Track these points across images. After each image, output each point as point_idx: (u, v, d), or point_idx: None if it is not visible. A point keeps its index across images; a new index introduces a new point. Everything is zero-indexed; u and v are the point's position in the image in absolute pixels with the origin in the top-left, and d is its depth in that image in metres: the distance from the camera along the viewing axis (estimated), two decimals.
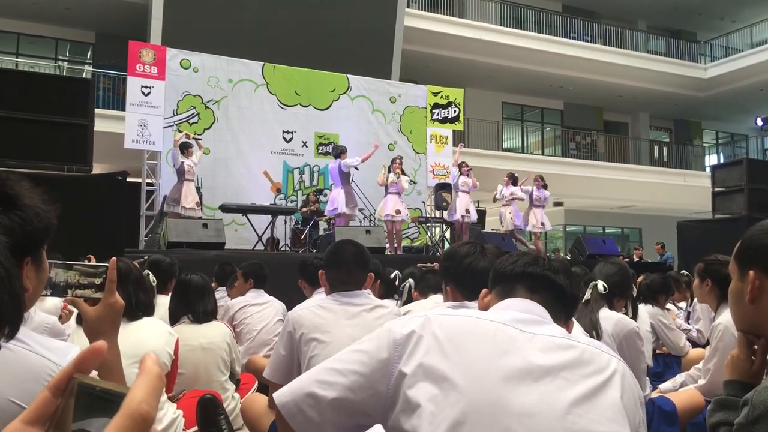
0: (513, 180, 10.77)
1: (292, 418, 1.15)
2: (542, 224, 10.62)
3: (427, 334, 1.13)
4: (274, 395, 1.19)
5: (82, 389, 0.52)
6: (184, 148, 9.13)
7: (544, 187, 10.77)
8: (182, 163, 8.99)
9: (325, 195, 10.88)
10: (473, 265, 1.91)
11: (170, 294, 3.37)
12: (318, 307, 2.29)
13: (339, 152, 9.64)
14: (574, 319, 2.37)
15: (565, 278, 1.31)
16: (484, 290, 1.39)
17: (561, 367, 1.09)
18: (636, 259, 14.48)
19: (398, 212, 9.54)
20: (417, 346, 1.11)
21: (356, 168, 9.62)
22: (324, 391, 1.13)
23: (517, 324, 1.15)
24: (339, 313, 2.27)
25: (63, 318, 3.67)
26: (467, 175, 10.34)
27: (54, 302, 3.62)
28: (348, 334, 2.15)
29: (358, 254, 2.40)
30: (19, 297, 0.75)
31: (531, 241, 10.89)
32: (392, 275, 4.34)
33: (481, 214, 12.84)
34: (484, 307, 1.33)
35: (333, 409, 1.12)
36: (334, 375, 1.14)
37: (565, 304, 1.31)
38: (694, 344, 4.46)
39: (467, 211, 10.10)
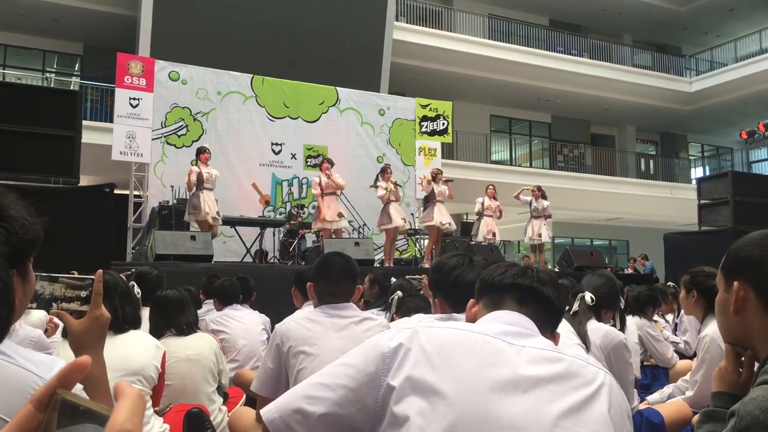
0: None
1: None
2: (539, 235, 10.43)
3: (415, 346, 1.12)
4: (261, 412, 1.18)
5: (65, 405, 0.52)
6: (200, 154, 8.61)
7: (543, 197, 10.65)
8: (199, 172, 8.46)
9: (314, 208, 10.83)
10: (461, 278, 1.91)
11: (149, 311, 3.23)
12: (306, 320, 2.28)
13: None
14: (566, 329, 2.38)
15: (553, 290, 1.31)
16: (471, 301, 1.38)
17: (549, 380, 1.09)
18: (630, 271, 14.49)
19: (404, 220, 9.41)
20: (405, 359, 1.11)
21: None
22: (312, 406, 1.12)
23: (505, 336, 1.15)
24: (327, 326, 2.26)
25: (49, 331, 3.63)
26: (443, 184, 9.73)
27: (39, 315, 3.59)
28: (336, 346, 2.14)
29: (346, 266, 2.39)
30: (10, 308, 0.74)
31: (527, 252, 10.64)
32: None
33: (468, 225, 12.84)
34: (472, 318, 1.33)
35: (321, 424, 1.11)
36: (321, 390, 1.13)
37: (551, 316, 1.31)
38: (682, 356, 4.48)
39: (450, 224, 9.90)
